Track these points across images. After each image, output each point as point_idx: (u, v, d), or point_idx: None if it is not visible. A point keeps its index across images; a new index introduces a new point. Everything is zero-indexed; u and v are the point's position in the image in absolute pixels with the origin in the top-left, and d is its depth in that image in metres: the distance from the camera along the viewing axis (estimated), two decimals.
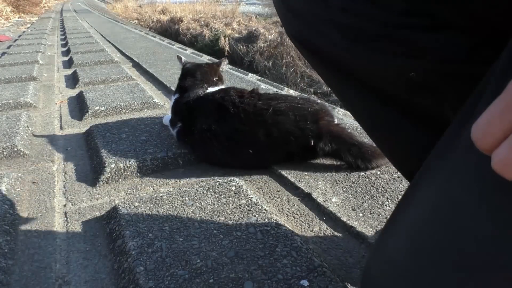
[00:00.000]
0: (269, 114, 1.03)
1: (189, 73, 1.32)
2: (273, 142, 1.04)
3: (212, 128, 1.08)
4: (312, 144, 1.02)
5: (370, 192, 0.93)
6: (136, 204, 0.86)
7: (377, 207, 0.87)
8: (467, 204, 0.32)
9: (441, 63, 0.41)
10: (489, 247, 0.30)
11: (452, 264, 0.33)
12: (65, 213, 0.92)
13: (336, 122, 1.09)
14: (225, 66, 1.41)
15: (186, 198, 0.88)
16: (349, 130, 1.10)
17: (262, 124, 1.03)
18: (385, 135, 0.54)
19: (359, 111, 0.54)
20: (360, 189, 0.95)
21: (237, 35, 5.98)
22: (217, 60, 1.45)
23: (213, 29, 6.81)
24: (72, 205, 0.95)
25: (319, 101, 1.17)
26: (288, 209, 0.91)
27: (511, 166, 0.24)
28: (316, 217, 0.87)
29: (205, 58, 2.95)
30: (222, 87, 1.29)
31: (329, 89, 3.40)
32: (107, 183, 1.05)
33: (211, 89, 1.25)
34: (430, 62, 0.42)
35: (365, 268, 0.44)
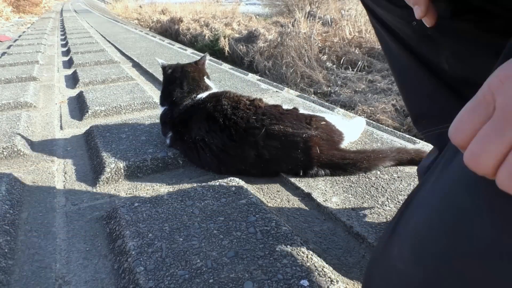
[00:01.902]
0: (261, 135, 0.99)
1: (175, 81, 1.25)
2: (263, 162, 1.01)
3: (204, 139, 1.05)
4: (302, 172, 1.01)
5: (370, 192, 0.93)
6: (136, 204, 0.86)
7: (377, 207, 0.87)
8: (470, 210, 0.32)
9: None
10: (493, 254, 0.30)
11: (457, 273, 0.32)
12: (65, 213, 0.92)
13: (335, 139, 1.05)
14: (207, 60, 1.36)
15: (186, 198, 0.88)
16: (344, 144, 1.09)
17: (253, 145, 1.00)
18: (399, 72, 0.64)
19: (385, 49, 0.64)
20: (360, 189, 0.95)
21: (237, 35, 5.98)
22: (198, 57, 1.42)
23: (213, 29, 6.81)
24: (72, 205, 0.95)
25: (322, 122, 1.06)
26: (288, 209, 0.91)
27: (479, 161, 0.26)
28: (316, 217, 0.87)
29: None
30: (213, 90, 1.24)
31: (329, 89, 3.40)
32: (107, 183, 1.05)
33: (201, 95, 1.20)
34: None
35: (367, 274, 0.44)
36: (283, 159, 1.01)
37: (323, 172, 1.01)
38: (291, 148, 0.99)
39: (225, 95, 1.13)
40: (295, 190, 0.98)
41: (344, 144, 1.11)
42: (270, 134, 1.00)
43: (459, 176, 0.34)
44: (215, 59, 2.96)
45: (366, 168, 1.02)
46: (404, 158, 1.04)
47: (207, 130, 1.06)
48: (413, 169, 1.03)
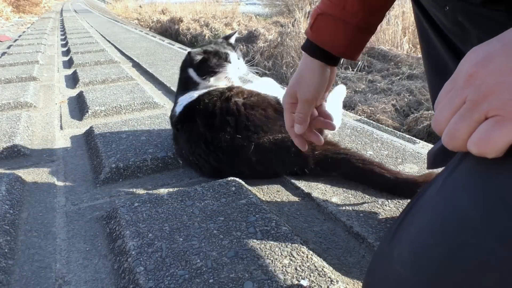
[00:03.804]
0: (252, 152, 0.96)
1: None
2: (259, 171, 1.00)
3: (195, 161, 1.03)
4: (299, 171, 0.99)
5: (370, 192, 0.93)
6: (136, 204, 0.86)
7: (377, 207, 0.87)
8: (473, 219, 0.31)
9: (464, 2, 0.49)
10: (493, 266, 0.30)
11: (455, 283, 0.32)
12: (65, 213, 0.92)
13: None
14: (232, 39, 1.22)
15: (186, 198, 0.88)
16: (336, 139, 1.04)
17: (246, 161, 0.97)
18: (429, 55, 0.68)
19: (421, 33, 0.68)
20: (360, 189, 0.94)
21: (237, 35, 5.98)
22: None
23: (213, 29, 6.81)
24: (72, 205, 0.95)
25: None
26: (288, 209, 0.91)
27: (454, 137, 0.32)
28: (316, 217, 0.87)
29: None
30: (200, 91, 1.12)
31: None
32: (107, 183, 1.05)
33: (185, 99, 1.12)
34: (456, 0, 0.50)
35: (369, 272, 0.43)
36: (279, 166, 1.00)
37: (318, 170, 0.98)
38: (285, 153, 0.97)
39: (200, 106, 1.03)
40: (295, 190, 0.98)
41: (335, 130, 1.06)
42: (260, 147, 0.96)
43: (464, 183, 0.34)
44: None
45: (360, 169, 0.93)
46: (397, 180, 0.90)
47: (192, 152, 1.02)
48: (413, 169, 1.03)
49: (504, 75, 0.29)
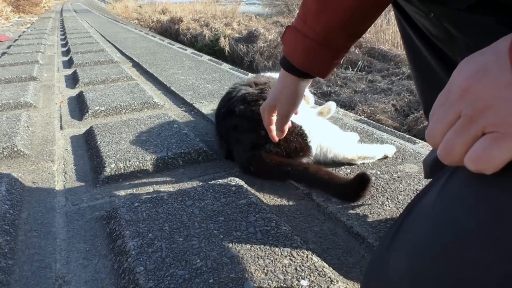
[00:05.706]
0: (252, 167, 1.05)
1: None
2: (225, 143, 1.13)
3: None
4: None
5: (370, 192, 0.93)
6: (136, 204, 0.86)
7: (377, 207, 0.87)
8: (470, 232, 0.31)
9: (449, 8, 0.48)
10: (491, 281, 0.29)
11: None
12: (65, 213, 0.92)
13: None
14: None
15: (186, 198, 0.88)
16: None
17: (249, 164, 1.05)
18: (416, 63, 0.68)
19: (405, 40, 0.69)
20: None
21: (237, 35, 5.98)
22: (198, 57, 1.44)
23: (213, 29, 6.81)
24: (72, 205, 0.95)
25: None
26: (288, 209, 0.91)
27: (450, 152, 0.31)
28: (316, 217, 0.87)
29: (205, 58, 2.95)
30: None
31: (329, 89, 3.39)
32: (107, 183, 1.05)
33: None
34: (441, 5, 0.49)
35: (365, 279, 0.43)
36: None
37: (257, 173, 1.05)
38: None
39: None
40: (295, 190, 0.98)
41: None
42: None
43: (460, 192, 0.33)
44: (215, 59, 2.95)
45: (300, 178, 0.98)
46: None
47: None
48: (413, 169, 1.03)
49: (500, 90, 0.28)
